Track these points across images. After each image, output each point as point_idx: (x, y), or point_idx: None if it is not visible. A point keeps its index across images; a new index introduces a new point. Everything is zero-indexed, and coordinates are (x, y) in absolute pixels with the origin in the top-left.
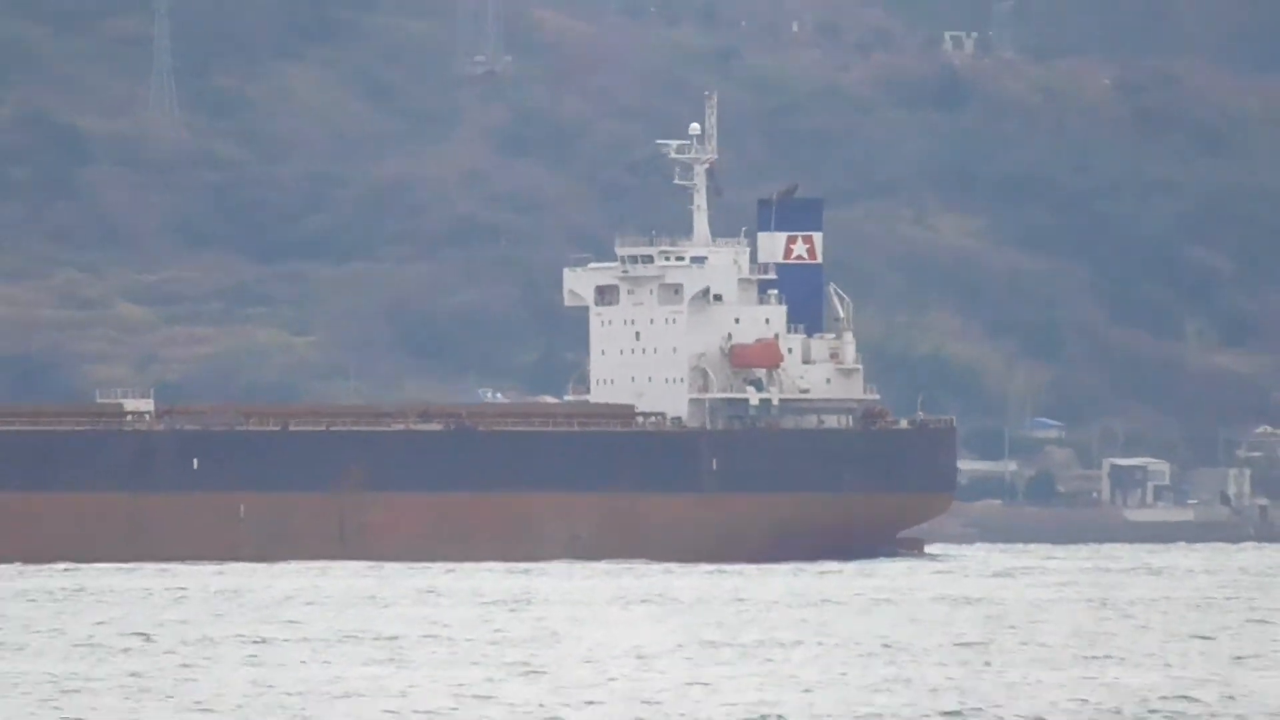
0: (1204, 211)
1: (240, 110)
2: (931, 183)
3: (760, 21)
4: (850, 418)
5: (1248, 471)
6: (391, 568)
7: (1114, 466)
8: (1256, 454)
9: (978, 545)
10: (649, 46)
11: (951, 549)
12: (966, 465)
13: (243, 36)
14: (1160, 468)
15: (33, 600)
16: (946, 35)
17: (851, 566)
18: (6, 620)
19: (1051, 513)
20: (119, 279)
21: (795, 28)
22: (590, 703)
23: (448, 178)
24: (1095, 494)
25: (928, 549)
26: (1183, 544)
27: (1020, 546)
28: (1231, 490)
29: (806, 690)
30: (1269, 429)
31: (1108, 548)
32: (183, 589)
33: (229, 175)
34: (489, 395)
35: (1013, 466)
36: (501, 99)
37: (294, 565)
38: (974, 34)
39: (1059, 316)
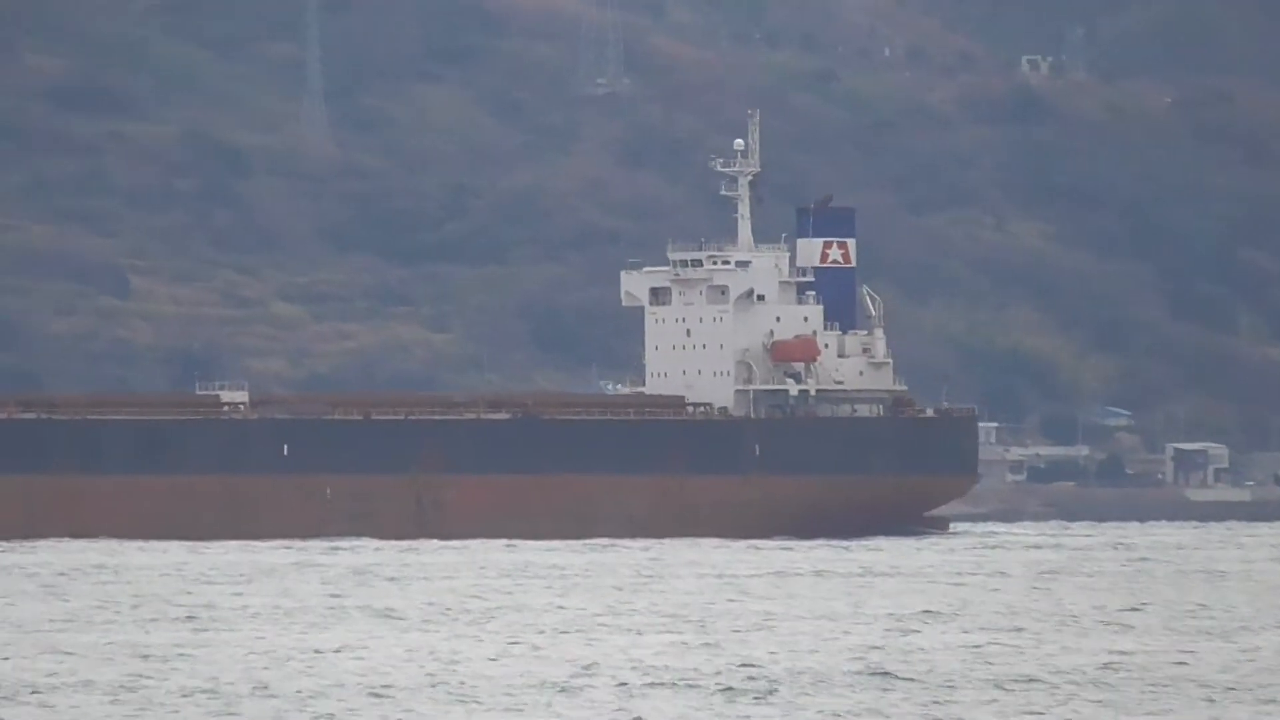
0: (1255, 216)
1: (384, 127)
2: (1009, 192)
3: (855, 46)
4: (880, 407)
5: None
6: (481, 545)
7: (1177, 450)
8: None
9: (992, 523)
10: (754, 68)
11: (971, 525)
12: (1044, 450)
13: (386, 60)
14: (1220, 451)
15: (243, 575)
16: (1024, 59)
17: (954, 541)
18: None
19: (1120, 493)
20: (274, 280)
21: (887, 52)
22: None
23: (571, 188)
24: (1160, 475)
25: (954, 527)
26: (1237, 521)
27: (1092, 524)
28: None
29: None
30: None
31: (1151, 524)
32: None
33: (374, 185)
34: (610, 386)
35: (1085, 451)
36: (620, 116)
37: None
38: (1049, 58)
39: (1125, 313)
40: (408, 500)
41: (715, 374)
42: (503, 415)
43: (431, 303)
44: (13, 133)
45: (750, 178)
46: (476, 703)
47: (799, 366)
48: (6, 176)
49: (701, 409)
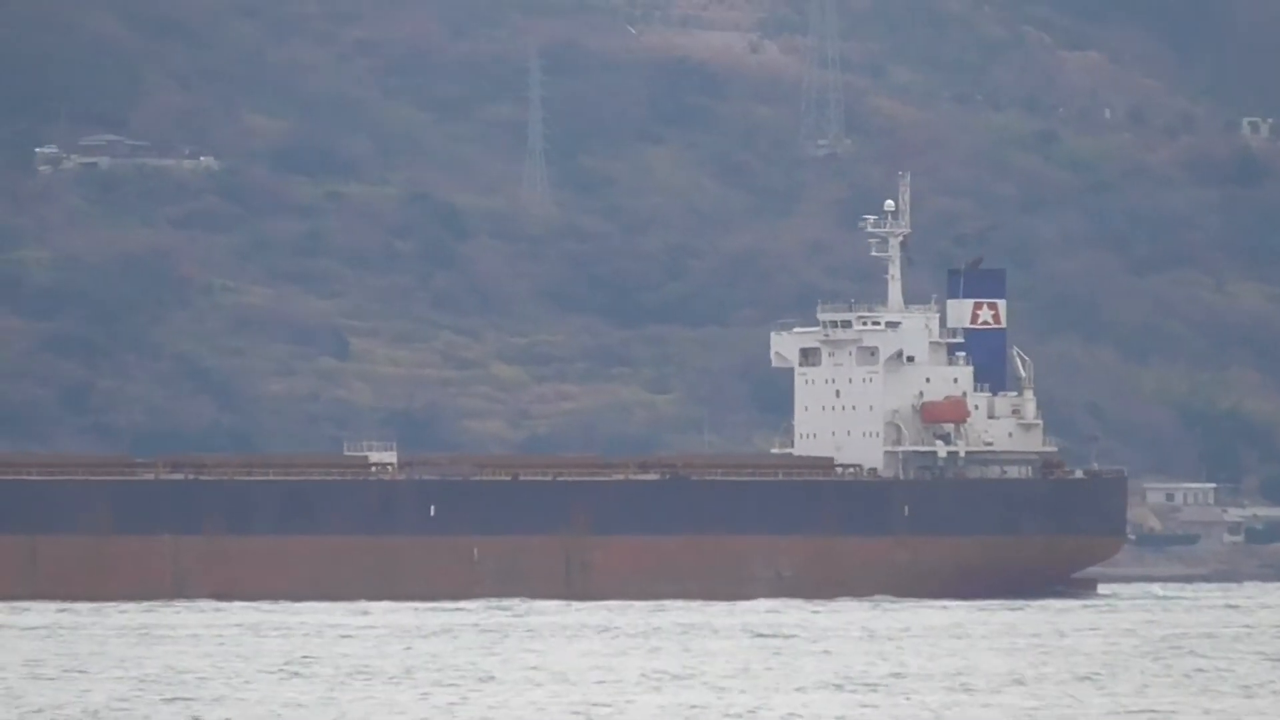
0: None
1: (604, 188)
2: (1230, 253)
3: (1076, 107)
4: (1030, 468)
5: None
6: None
7: None
8: None
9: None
10: (976, 130)
11: (1121, 587)
12: (1262, 511)
13: (607, 122)
14: None
15: (405, 634)
16: (1244, 120)
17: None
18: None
19: None
20: (494, 341)
21: (1108, 113)
22: None
23: (792, 249)
24: None
25: (1101, 589)
26: None
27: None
28: None
29: None
30: None
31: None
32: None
33: (594, 247)
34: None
35: None
36: (841, 177)
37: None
38: (1270, 119)
39: None
40: (556, 561)
41: (865, 435)
42: (651, 476)
43: (652, 364)
44: (233, 193)
45: (900, 239)
46: None
47: (948, 428)
48: (227, 237)
49: (851, 470)
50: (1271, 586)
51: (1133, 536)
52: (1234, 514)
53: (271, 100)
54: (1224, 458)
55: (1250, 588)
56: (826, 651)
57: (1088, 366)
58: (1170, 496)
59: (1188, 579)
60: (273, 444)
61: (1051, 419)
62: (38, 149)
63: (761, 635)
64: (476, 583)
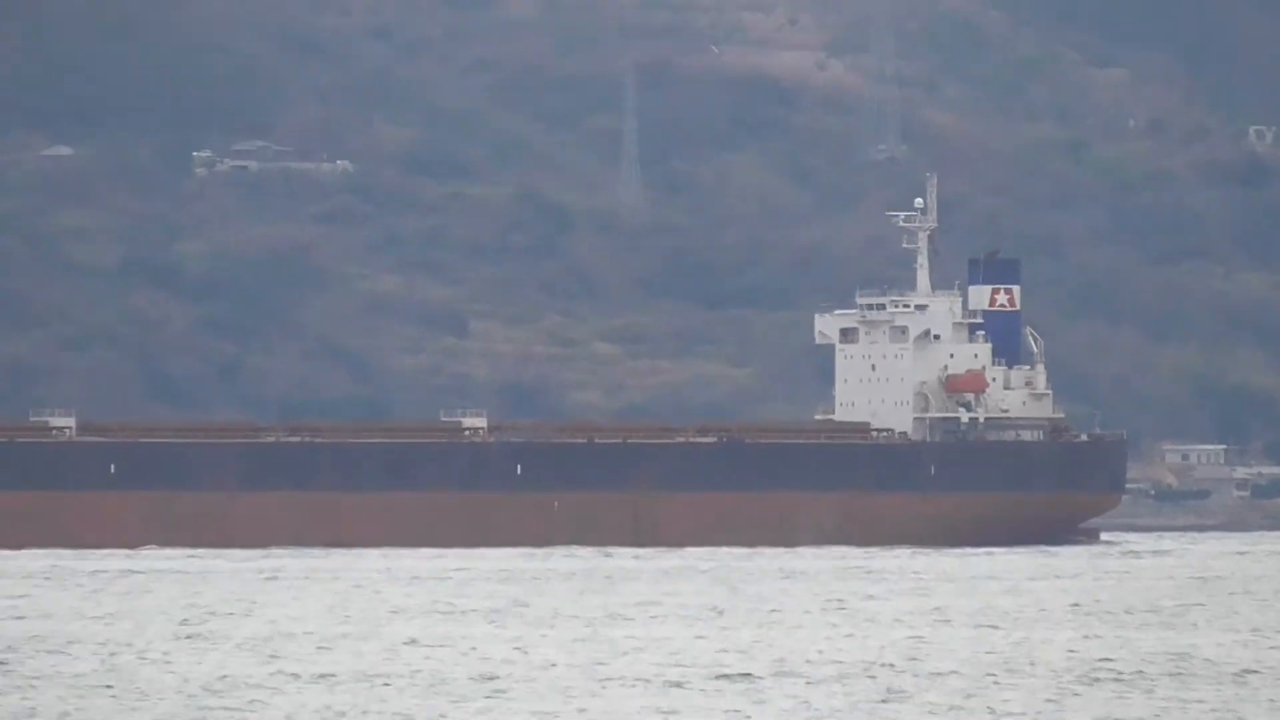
0: None
1: (691, 189)
2: (1237, 245)
3: (1103, 118)
4: (1040, 432)
5: None
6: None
7: None
8: None
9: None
10: (1014, 138)
11: (1120, 535)
12: (1266, 469)
13: (693, 130)
14: None
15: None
16: (1251, 129)
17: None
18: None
19: None
20: (594, 323)
21: (1131, 124)
22: None
23: (854, 242)
24: None
25: (1105, 536)
26: None
27: None
28: None
29: None
30: None
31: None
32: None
33: (681, 240)
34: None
35: None
36: (898, 180)
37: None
38: (1274, 127)
39: None
40: (626, 514)
41: (896, 403)
42: (709, 439)
43: (731, 342)
44: (367, 193)
45: (928, 232)
46: None
47: (969, 397)
48: (362, 232)
49: (884, 434)
50: (1273, 535)
51: (1153, 492)
52: (1241, 472)
53: (399, 111)
54: (1233, 423)
55: (1256, 536)
56: (921, 591)
57: (1112, 345)
58: (1185, 457)
59: (1200, 529)
60: (402, 413)
61: (1080, 391)
62: (195, 154)
63: (850, 577)
64: (555, 533)
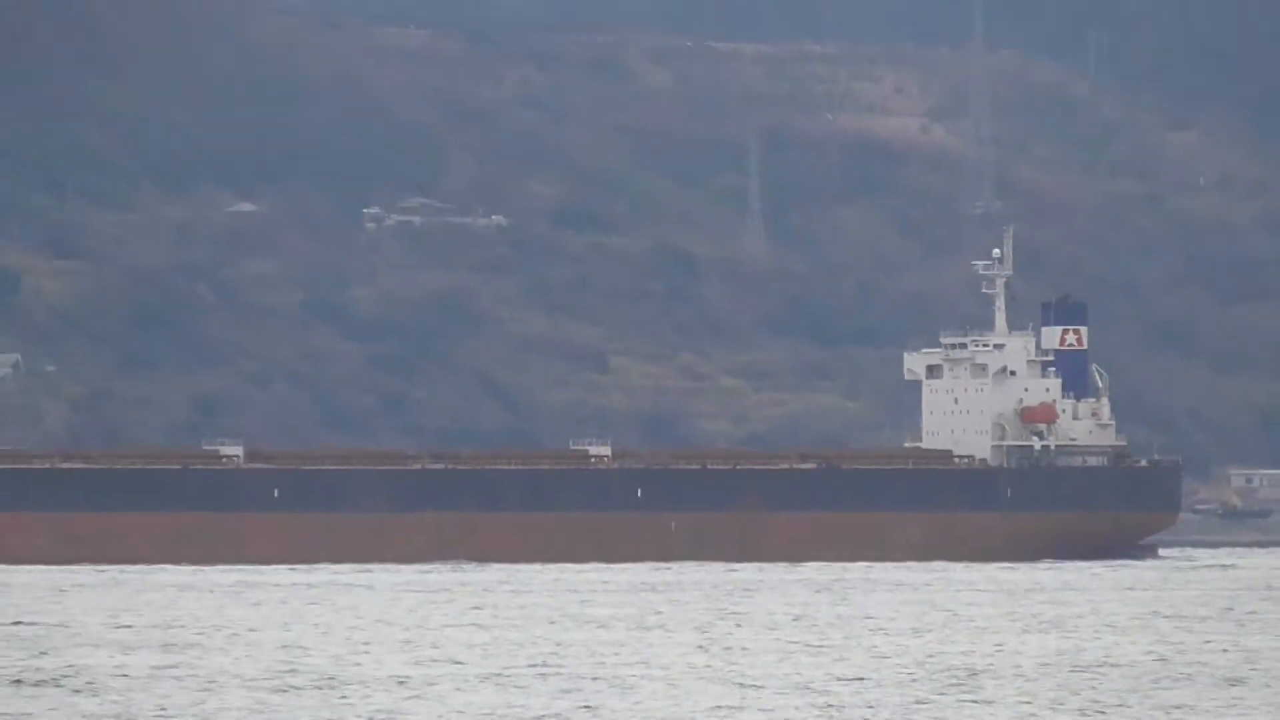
0: None
1: (808, 240)
2: None
3: (1177, 174)
4: (1105, 458)
5: None
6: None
7: None
8: None
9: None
10: (1099, 193)
11: (1184, 551)
12: None
13: (811, 187)
14: None
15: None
16: None
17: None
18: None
19: None
20: (722, 360)
21: (1201, 180)
22: None
23: (954, 288)
24: None
25: (1162, 552)
26: None
27: None
28: None
29: None
30: None
31: None
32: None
33: (801, 285)
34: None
35: None
36: (994, 232)
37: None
38: None
39: None
40: (734, 532)
41: (976, 432)
42: (809, 465)
43: (844, 377)
44: (519, 244)
45: (1004, 279)
46: None
47: (1042, 427)
48: (514, 279)
49: (965, 460)
50: None
51: (1220, 511)
52: None
53: (548, 171)
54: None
55: None
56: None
57: (1184, 378)
58: (1249, 480)
59: (1263, 544)
60: (548, 442)
61: (1155, 420)
62: (365, 210)
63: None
64: (672, 550)
